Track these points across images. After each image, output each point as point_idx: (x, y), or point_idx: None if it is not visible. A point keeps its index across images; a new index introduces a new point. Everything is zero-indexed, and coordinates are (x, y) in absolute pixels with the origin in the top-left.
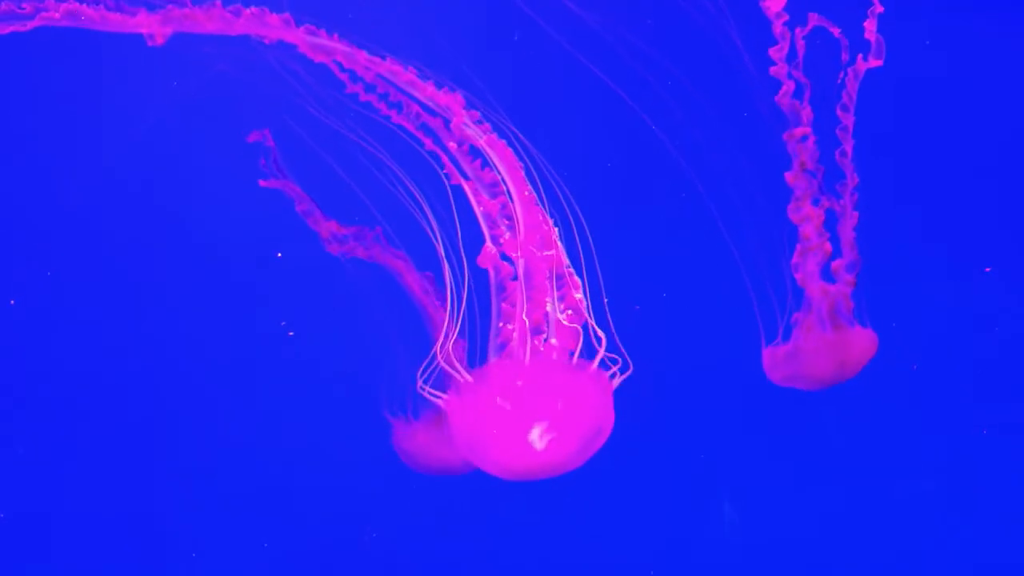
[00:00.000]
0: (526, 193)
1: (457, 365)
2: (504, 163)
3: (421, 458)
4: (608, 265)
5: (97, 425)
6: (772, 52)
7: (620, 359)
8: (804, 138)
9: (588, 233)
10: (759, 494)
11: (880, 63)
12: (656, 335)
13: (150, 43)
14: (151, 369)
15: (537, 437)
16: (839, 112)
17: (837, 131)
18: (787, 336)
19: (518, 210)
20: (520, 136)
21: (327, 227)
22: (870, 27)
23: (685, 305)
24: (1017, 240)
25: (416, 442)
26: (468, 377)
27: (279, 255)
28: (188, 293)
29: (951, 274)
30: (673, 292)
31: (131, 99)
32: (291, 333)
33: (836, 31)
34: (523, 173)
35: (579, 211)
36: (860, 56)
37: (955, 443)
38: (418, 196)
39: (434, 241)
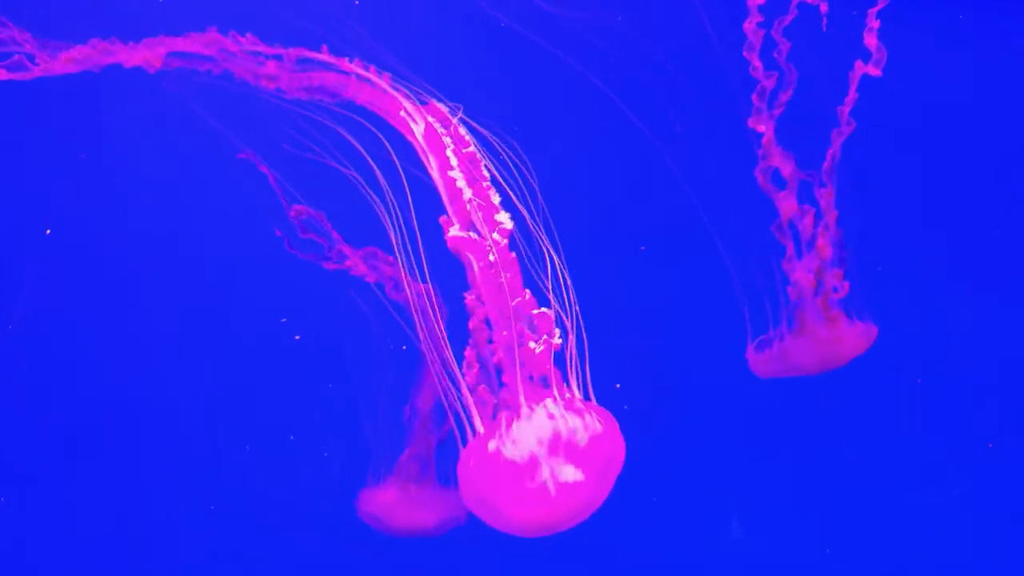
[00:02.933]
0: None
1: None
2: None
3: (388, 521)
4: (597, 267)
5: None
6: (746, 53)
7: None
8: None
9: (552, 235)
10: (766, 508)
11: (879, 72)
12: (650, 342)
13: (151, 71)
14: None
15: (551, 480)
16: (838, 110)
17: (832, 132)
18: (778, 332)
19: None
20: (492, 138)
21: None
22: (870, 40)
23: (675, 308)
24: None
25: (382, 504)
26: (477, 432)
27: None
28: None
29: (955, 277)
30: (661, 294)
31: (117, 108)
32: (297, 337)
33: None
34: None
35: (537, 204)
36: (859, 62)
37: (961, 452)
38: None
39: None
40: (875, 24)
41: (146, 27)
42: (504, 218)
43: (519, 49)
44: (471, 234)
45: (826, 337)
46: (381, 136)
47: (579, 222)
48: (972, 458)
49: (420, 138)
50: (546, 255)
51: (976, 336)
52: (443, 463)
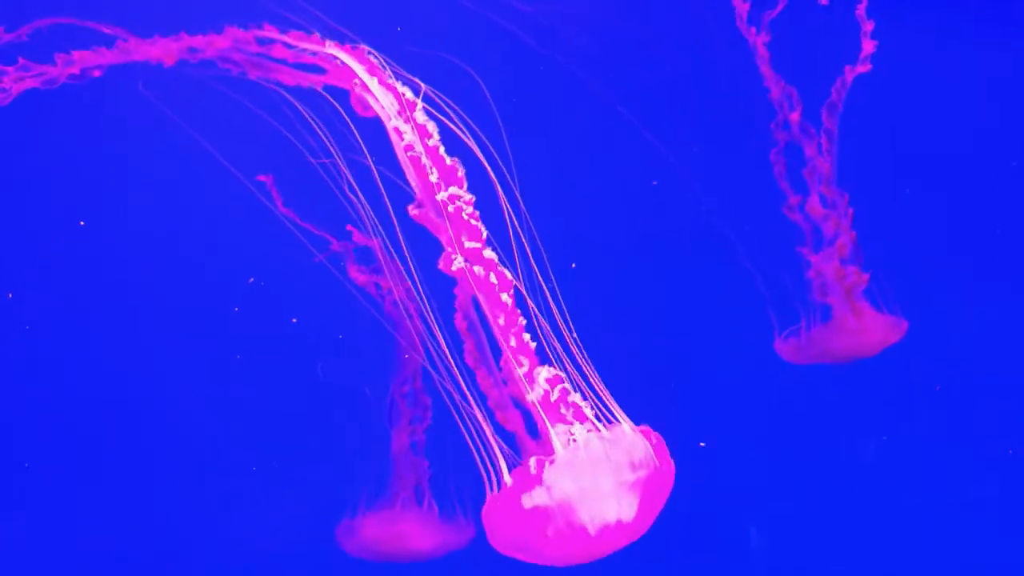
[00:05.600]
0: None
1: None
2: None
3: (372, 549)
4: (610, 270)
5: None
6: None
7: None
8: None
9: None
10: (786, 517)
11: (868, 67)
12: (658, 342)
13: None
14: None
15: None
16: (825, 112)
17: (823, 130)
18: (806, 325)
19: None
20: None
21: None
22: (866, 46)
23: (698, 309)
24: None
25: (367, 534)
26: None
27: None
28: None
29: (978, 277)
30: (681, 296)
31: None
32: (294, 319)
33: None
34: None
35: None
36: (848, 67)
37: (982, 454)
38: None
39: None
40: (868, 27)
41: (123, 19)
42: (481, 226)
43: (509, 50)
44: (476, 268)
45: (854, 327)
46: (358, 135)
47: (579, 224)
48: (994, 460)
49: (402, 145)
50: (544, 258)
51: (998, 337)
52: (437, 485)
